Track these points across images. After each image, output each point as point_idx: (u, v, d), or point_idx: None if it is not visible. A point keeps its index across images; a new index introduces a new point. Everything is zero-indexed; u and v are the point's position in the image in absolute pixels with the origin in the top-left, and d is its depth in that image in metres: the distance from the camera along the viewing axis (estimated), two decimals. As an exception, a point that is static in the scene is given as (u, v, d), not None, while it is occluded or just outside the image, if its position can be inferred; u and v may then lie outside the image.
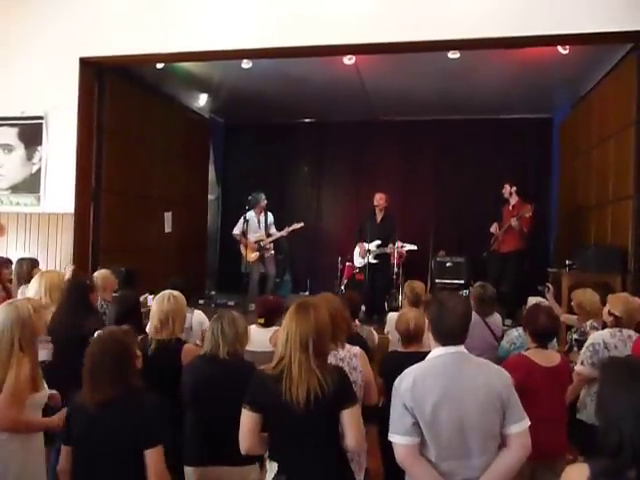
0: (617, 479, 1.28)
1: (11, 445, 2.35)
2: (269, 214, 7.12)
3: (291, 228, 6.92)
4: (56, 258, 5.35)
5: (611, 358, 1.72)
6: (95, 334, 2.44)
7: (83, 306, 3.29)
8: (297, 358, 2.06)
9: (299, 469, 2.08)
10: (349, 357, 2.59)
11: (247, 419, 2.11)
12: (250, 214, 6.95)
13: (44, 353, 2.89)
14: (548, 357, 2.81)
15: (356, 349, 2.64)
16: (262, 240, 6.93)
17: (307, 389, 2.01)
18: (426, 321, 3.13)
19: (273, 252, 7.19)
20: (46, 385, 2.57)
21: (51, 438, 2.62)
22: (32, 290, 3.60)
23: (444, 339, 2.04)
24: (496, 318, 4.06)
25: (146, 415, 2.06)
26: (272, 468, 2.13)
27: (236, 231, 7.01)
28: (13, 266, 4.52)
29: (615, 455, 1.29)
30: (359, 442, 2.09)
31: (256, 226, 6.96)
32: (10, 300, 2.86)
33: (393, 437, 1.99)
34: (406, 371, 2.05)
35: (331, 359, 2.51)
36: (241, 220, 6.91)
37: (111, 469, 2.03)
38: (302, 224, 6.92)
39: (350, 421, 2.05)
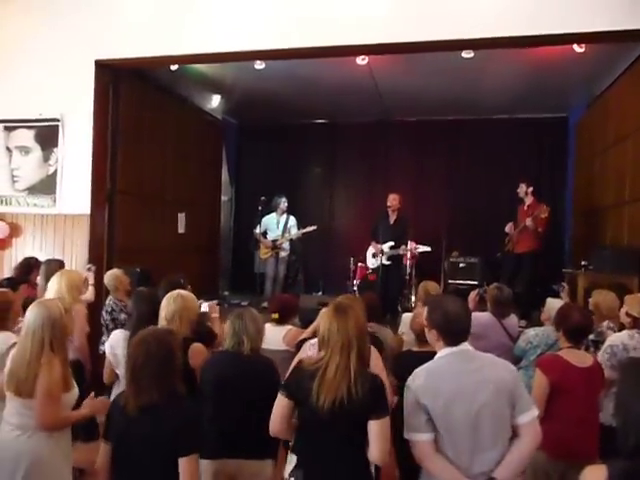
0: None
1: (40, 442, 2.38)
2: (291, 217, 7.37)
3: (304, 231, 7.18)
4: (72, 259, 5.39)
5: (630, 359, 1.70)
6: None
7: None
8: (336, 360, 2.06)
9: (317, 468, 2.08)
10: None
11: (280, 404, 2.14)
12: (270, 216, 7.29)
13: None
14: (581, 357, 2.77)
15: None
16: (277, 240, 7.20)
17: (335, 393, 2.00)
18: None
19: (287, 253, 7.36)
20: (76, 385, 2.59)
21: (78, 435, 2.65)
22: (52, 290, 3.63)
23: (447, 340, 2.09)
24: (512, 319, 4.03)
25: (185, 423, 2.03)
26: (292, 460, 2.14)
27: (257, 230, 7.31)
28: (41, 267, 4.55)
29: (633, 457, 1.28)
30: (383, 455, 2.06)
31: (274, 227, 7.26)
32: (40, 299, 2.89)
33: (409, 435, 2.02)
34: (417, 369, 2.09)
35: None
36: (264, 221, 7.25)
37: (145, 473, 2.02)
38: (315, 227, 7.19)
39: (377, 433, 2.02)
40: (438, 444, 2.00)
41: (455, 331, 2.09)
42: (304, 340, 3.16)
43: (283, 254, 7.34)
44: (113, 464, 2.09)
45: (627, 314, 3.17)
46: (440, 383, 2.01)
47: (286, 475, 2.18)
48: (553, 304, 3.71)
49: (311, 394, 2.03)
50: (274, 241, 7.21)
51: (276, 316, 3.56)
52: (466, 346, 2.09)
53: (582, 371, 2.67)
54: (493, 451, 1.98)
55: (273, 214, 7.33)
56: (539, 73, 6.17)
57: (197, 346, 2.88)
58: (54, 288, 3.61)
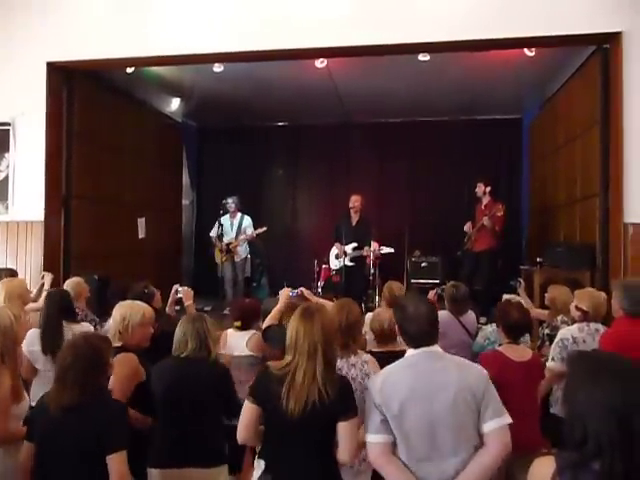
0: (582, 471, 1.30)
1: None
2: (245, 217, 7.14)
3: (255, 232, 7.02)
4: (26, 267, 5.22)
5: (578, 352, 1.76)
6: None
7: None
8: (303, 365, 2.06)
9: (285, 472, 2.08)
10: (361, 363, 2.61)
11: (248, 411, 2.13)
12: (224, 218, 7.05)
13: None
14: (520, 352, 2.88)
15: (367, 356, 2.67)
16: (231, 243, 7.01)
17: (306, 397, 2.01)
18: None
19: (245, 256, 7.19)
20: (27, 395, 2.52)
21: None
22: None
23: (414, 342, 2.05)
24: (470, 316, 4.12)
25: (110, 420, 2.05)
26: (259, 465, 2.14)
27: (212, 234, 7.15)
28: None
29: (579, 448, 1.31)
30: (352, 456, 2.07)
31: (228, 229, 7.05)
32: None
33: (366, 436, 1.98)
34: (381, 371, 2.07)
35: (343, 364, 2.56)
36: (216, 224, 7.01)
37: (72, 472, 2.03)
38: (265, 228, 7.03)
39: (346, 433, 2.03)
40: (395, 448, 1.94)
41: (415, 335, 2.03)
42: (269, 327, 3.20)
43: (238, 258, 7.13)
44: (37, 464, 2.09)
45: (577, 308, 3.29)
46: (396, 384, 1.96)
47: None
48: (509, 300, 3.81)
49: (280, 399, 2.03)
50: (228, 244, 7.00)
51: (238, 324, 3.54)
52: (435, 348, 2.03)
53: (520, 365, 2.77)
54: (454, 459, 1.88)
55: (227, 215, 7.12)
56: (493, 76, 6.35)
57: (121, 357, 2.65)
58: None
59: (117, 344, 2.70)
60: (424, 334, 2.04)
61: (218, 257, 7.01)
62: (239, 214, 7.12)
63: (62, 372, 2.09)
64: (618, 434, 1.27)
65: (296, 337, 2.11)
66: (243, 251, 7.19)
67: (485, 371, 2.01)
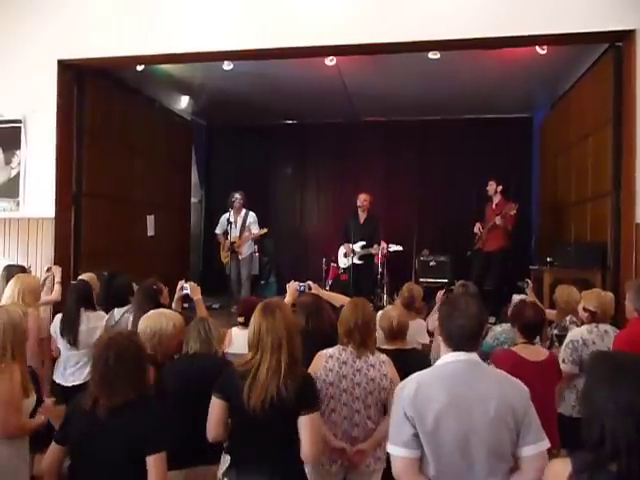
0: (599, 473, 1.28)
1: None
2: (250, 214, 6.96)
3: (257, 233, 6.89)
4: (37, 263, 5.26)
5: (598, 352, 1.72)
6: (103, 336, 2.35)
7: (156, 309, 3.14)
8: (267, 361, 2.07)
9: (250, 467, 2.09)
10: (379, 364, 2.62)
11: (215, 406, 2.15)
12: (229, 214, 6.86)
13: None
14: (535, 352, 2.84)
15: (383, 356, 2.68)
16: (235, 242, 6.82)
17: (265, 392, 2.02)
18: (413, 322, 3.18)
19: (249, 254, 7.00)
20: (34, 392, 2.54)
21: (36, 444, 2.59)
22: (6, 294, 3.57)
23: (454, 342, 1.86)
24: None
25: (152, 421, 2.02)
26: (225, 461, 2.15)
27: (218, 231, 7.05)
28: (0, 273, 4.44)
29: (596, 449, 1.29)
30: (313, 451, 2.05)
31: (233, 226, 6.79)
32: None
33: (391, 448, 1.81)
34: (410, 377, 1.90)
35: (362, 364, 2.57)
36: (221, 220, 6.95)
37: (110, 475, 2.00)
38: (266, 230, 6.90)
39: (307, 427, 2.03)
40: (422, 463, 1.78)
41: (457, 333, 1.84)
42: None
43: (242, 256, 6.89)
44: (74, 468, 2.06)
45: (584, 309, 3.26)
46: (432, 395, 1.77)
47: (220, 476, 2.18)
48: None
49: (242, 393, 2.05)
50: (232, 243, 6.77)
51: (242, 319, 3.54)
52: (474, 356, 1.85)
53: (535, 365, 2.74)
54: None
55: (231, 212, 6.84)
56: (504, 74, 6.30)
57: None
58: (8, 293, 3.55)
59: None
60: (467, 336, 1.84)
61: (222, 256, 6.96)
62: (244, 210, 6.94)
63: (107, 374, 2.01)
64: (636, 435, 1.24)
65: (259, 333, 2.11)
66: (247, 249, 6.99)
67: (527, 389, 1.85)
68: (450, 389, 1.78)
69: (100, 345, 2.12)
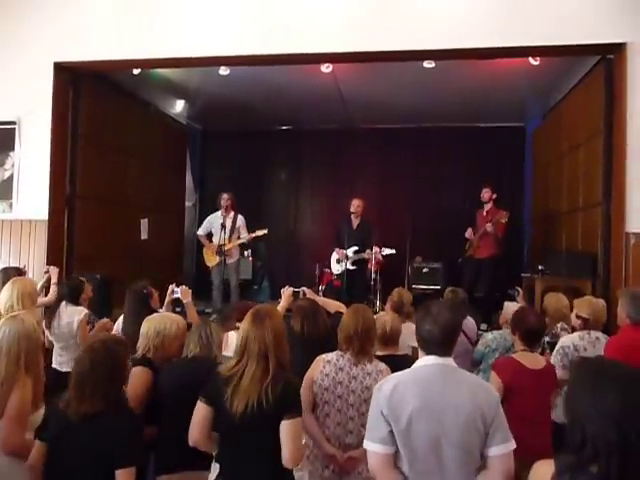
0: (580, 474, 1.33)
1: (1, 464, 2.24)
2: (239, 217, 6.59)
3: (254, 235, 6.46)
4: (29, 266, 5.23)
5: (581, 357, 1.77)
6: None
7: (147, 313, 3.15)
8: (252, 368, 2.08)
9: (236, 474, 2.09)
10: (376, 372, 2.62)
11: (199, 410, 2.15)
12: (216, 215, 6.60)
13: None
14: (535, 360, 2.86)
15: (382, 365, 2.68)
16: (224, 245, 6.37)
17: (247, 398, 2.03)
18: (404, 326, 3.20)
19: (237, 258, 6.71)
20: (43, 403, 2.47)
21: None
22: (3, 298, 3.53)
23: (426, 346, 1.96)
24: (470, 322, 4.13)
25: (125, 434, 2.00)
26: (215, 469, 2.15)
27: (200, 232, 6.71)
28: None
29: (578, 451, 1.34)
30: (294, 456, 2.05)
31: (219, 228, 6.37)
32: (14, 313, 2.80)
33: (367, 443, 1.91)
34: (388, 377, 2.01)
35: (358, 372, 2.58)
36: (206, 221, 6.68)
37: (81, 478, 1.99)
38: (266, 231, 6.45)
39: (287, 433, 2.03)
40: (397, 459, 1.87)
41: (427, 337, 1.94)
42: None
43: (232, 259, 6.53)
44: (46, 467, 2.05)
45: (577, 316, 3.30)
46: (407, 396, 1.86)
47: None
48: (510, 308, 3.84)
49: (225, 399, 2.05)
50: (220, 246, 6.32)
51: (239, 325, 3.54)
52: (448, 361, 1.93)
53: (534, 373, 2.76)
54: (459, 477, 1.84)
55: (218, 212, 6.57)
56: (497, 84, 6.37)
57: (142, 371, 2.67)
58: (6, 297, 3.51)
59: (142, 355, 2.69)
60: (436, 341, 1.93)
61: (209, 260, 6.53)
62: (232, 212, 6.57)
63: (80, 378, 2.02)
64: (615, 439, 1.29)
65: (247, 340, 2.12)
66: (237, 252, 6.69)
67: (497, 394, 1.94)
68: (423, 392, 1.87)
69: (82, 349, 2.14)
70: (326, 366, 2.61)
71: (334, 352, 2.67)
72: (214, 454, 2.22)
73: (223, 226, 6.36)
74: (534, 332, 2.89)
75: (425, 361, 1.95)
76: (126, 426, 2.02)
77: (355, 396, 2.58)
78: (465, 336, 3.94)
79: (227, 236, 6.39)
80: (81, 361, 2.07)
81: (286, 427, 2.03)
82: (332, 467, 2.59)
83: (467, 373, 2.03)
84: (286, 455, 2.02)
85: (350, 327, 2.63)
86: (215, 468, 2.16)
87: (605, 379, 1.38)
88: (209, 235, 6.60)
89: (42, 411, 2.39)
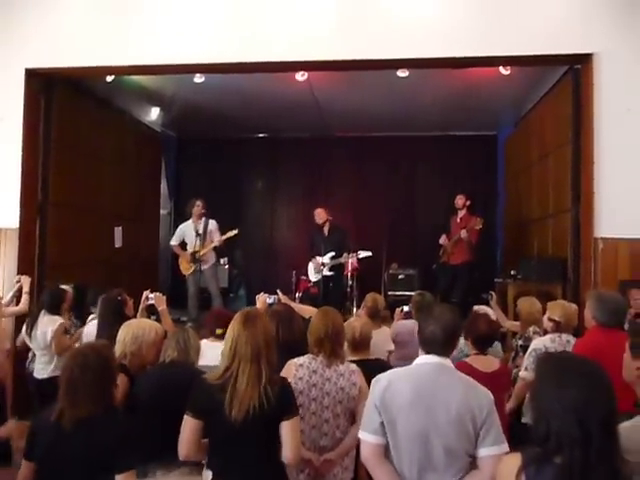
0: (545, 465, 1.38)
1: None
2: (211, 221, 6.58)
3: (225, 237, 6.43)
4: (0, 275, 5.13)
5: (547, 354, 1.82)
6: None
7: (120, 320, 3.10)
8: (246, 371, 2.07)
9: (234, 478, 2.09)
10: (348, 372, 2.64)
11: (188, 425, 2.12)
12: (187, 223, 6.63)
13: None
14: (487, 363, 2.94)
15: (354, 366, 2.71)
16: (197, 251, 6.41)
17: (248, 402, 2.03)
18: (372, 330, 3.25)
19: (213, 263, 6.67)
20: None
21: (4, 458, 2.51)
22: None
23: (426, 346, 2.03)
24: None
25: (121, 437, 1.98)
26: (207, 476, 2.14)
27: (173, 242, 6.72)
28: None
29: (543, 444, 1.39)
30: (295, 453, 2.10)
31: (192, 235, 6.45)
32: None
33: (361, 434, 2.00)
34: (386, 373, 2.06)
35: (331, 373, 2.60)
36: (178, 230, 6.70)
37: None
38: (236, 231, 6.43)
39: (289, 432, 2.07)
40: (388, 451, 1.96)
41: (428, 338, 2.01)
42: None
43: (206, 265, 6.52)
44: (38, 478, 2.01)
45: (549, 319, 3.38)
46: (399, 390, 1.94)
47: None
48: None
49: (222, 407, 2.04)
50: (193, 253, 6.38)
51: (220, 332, 3.51)
52: (446, 361, 2.01)
53: (487, 376, 2.80)
54: (446, 474, 1.89)
55: (189, 221, 6.60)
56: (469, 93, 6.51)
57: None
58: None
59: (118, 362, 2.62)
60: (438, 342, 2.00)
61: (184, 268, 6.54)
62: (203, 218, 6.57)
63: (72, 385, 2.00)
64: (578, 432, 1.34)
65: (237, 342, 2.11)
66: (211, 258, 6.66)
67: (492, 396, 1.97)
68: (417, 388, 1.94)
69: (68, 356, 2.11)
70: (299, 370, 2.62)
71: (305, 356, 2.68)
72: (204, 462, 2.21)
73: (198, 233, 6.40)
74: (484, 337, 2.98)
75: (424, 359, 2.03)
76: (122, 429, 2.01)
77: (330, 398, 2.60)
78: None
79: (200, 242, 6.41)
80: (70, 368, 2.03)
81: (288, 426, 2.07)
82: (307, 471, 2.59)
83: (462, 374, 2.07)
84: (288, 453, 2.06)
85: (320, 330, 2.65)
86: (207, 475, 2.13)
87: (569, 374, 1.43)
88: (182, 244, 6.61)
89: None
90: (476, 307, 4.09)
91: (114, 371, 2.13)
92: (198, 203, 6.59)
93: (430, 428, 1.89)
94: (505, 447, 1.90)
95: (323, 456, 2.58)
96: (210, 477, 2.11)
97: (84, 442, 1.94)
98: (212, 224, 6.58)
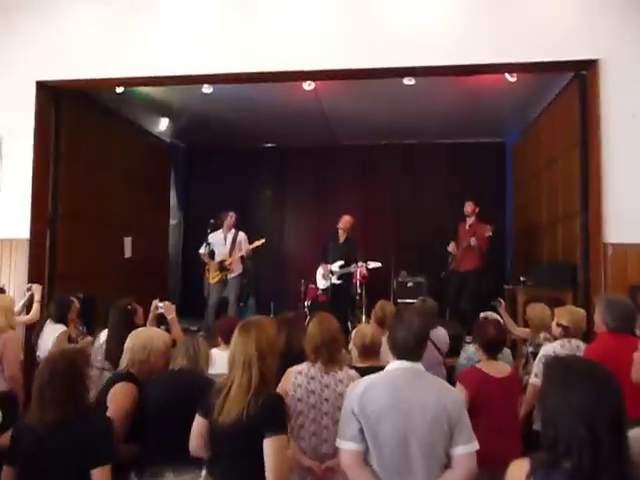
0: (554, 470, 1.36)
1: None
2: (240, 233, 6.79)
3: (252, 246, 6.65)
4: (10, 285, 5.17)
5: (555, 357, 1.82)
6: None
7: (130, 329, 3.07)
8: (238, 379, 2.10)
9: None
10: (347, 379, 2.63)
11: (196, 422, 2.21)
12: (218, 232, 6.73)
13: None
14: (499, 368, 2.92)
15: (353, 372, 2.70)
16: (225, 260, 6.63)
17: (234, 409, 2.05)
18: (382, 337, 3.22)
19: (239, 273, 6.78)
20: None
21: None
22: None
23: (397, 352, 2.08)
24: (440, 332, 4.15)
25: (95, 435, 2.05)
26: (203, 476, 2.15)
27: (202, 250, 6.79)
28: None
29: (552, 448, 1.38)
30: (275, 475, 2.00)
31: (222, 245, 6.65)
32: None
33: (339, 442, 2.02)
34: (360, 379, 2.13)
35: (330, 380, 2.60)
36: (206, 240, 6.74)
37: None
38: (263, 240, 6.65)
39: (269, 451, 2.00)
40: (367, 456, 1.98)
41: (400, 344, 2.06)
42: None
43: (233, 275, 6.68)
44: None
45: (558, 324, 3.35)
46: (376, 396, 1.98)
47: None
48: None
49: (214, 411, 2.11)
50: (221, 262, 6.59)
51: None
52: (417, 365, 2.06)
53: (499, 381, 2.82)
54: (421, 476, 1.93)
55: (219, 231, 6.76)
56: (476, 100, 6.51)
57: (126, 387, 2.61)
58: None
59: (125, 370, 2.67)
60: (408, 347, 2.05)
61: (212, 277, 6.64)
62: (234, 229, 6.78)
63: (40, 389, 2.07)
64: (586, 436, 1.33)
65: (233, 352, 2.17)
66: (238, 268, 6.79)
67: (462, 396, 2.08)
68: (393, 393, 1.99)
69: (42, 362, 2.21)
70: (297, 377, 2.62)
71: (303, 363, 2.68)
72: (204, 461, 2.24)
73: (227, 242, 6.62)
74: (493, 342, 2.96)
75: (397, 365, 2.07)
76: (95, 427, 2.08)
77: (329, 404, 2.59)
78: (434, 346, 3.93)
79: (228, 251, 6.65)
80: (40, 373, 2.12)
81: (269, 444, 2.00)
82: (309, 479, 2.58)
83: (434, 377, 2.13)
84: (268, 474, 1.99)
85: (316, 337, 2.65)
86: (202, 474, 2.16)
87: (577, 377, 1.42)
88: (211, 254, 6.74)
89: None
90: (483, 314, 4.06)
91: (83, 375, 2.17)
92: (231, 214, 6.79)
93: (409, 429, 1.93)
94: (476, 445, 1.97)
95: (325, 464, 2.56)
96: (203, 476, 2.13)
97: (58, 445, 2.01)
98: (242, 235, 6.80)
